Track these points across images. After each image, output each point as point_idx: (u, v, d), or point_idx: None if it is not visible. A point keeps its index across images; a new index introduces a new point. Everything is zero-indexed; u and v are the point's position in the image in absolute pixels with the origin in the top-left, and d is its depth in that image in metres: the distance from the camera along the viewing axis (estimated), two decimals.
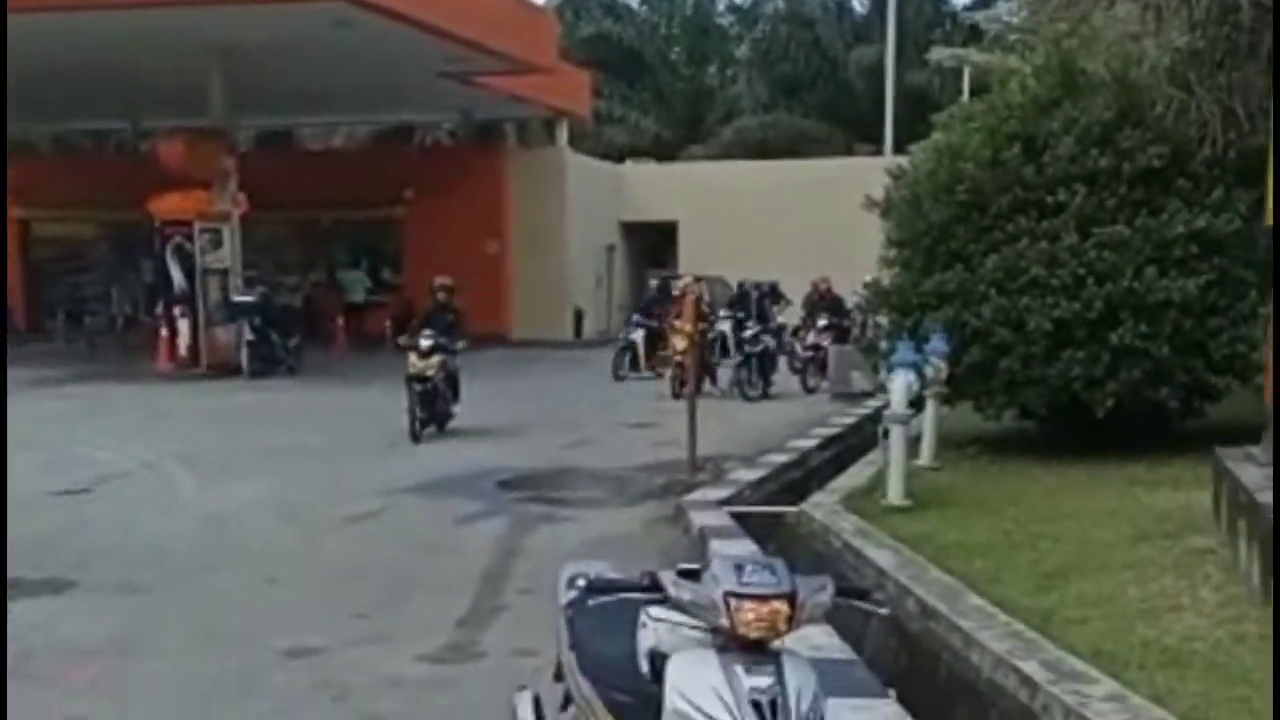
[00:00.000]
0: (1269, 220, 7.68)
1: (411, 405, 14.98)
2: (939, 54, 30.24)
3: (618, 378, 21.72)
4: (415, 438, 14.86)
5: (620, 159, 39.42)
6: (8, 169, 22.39)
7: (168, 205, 23.60)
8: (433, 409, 15.23)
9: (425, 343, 15.16)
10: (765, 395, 19.69)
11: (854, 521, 9.29)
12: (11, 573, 8.42)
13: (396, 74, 26.68)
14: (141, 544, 9.64)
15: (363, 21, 20.81)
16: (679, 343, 18.62)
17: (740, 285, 24.77)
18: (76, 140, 41.44)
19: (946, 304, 11.75)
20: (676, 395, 18.07)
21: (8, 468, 10.38)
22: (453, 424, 15.65)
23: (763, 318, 20.61)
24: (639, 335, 22.16)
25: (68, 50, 23.28)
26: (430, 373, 15.05)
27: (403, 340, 15.63)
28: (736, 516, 10.01)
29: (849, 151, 38.67)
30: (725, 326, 21.30)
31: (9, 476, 12.40)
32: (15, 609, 7.72)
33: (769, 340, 20.30)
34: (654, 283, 25.56)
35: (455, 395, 15.71)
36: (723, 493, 11.11)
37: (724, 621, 3.12)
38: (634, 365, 21.98)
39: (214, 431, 16.15)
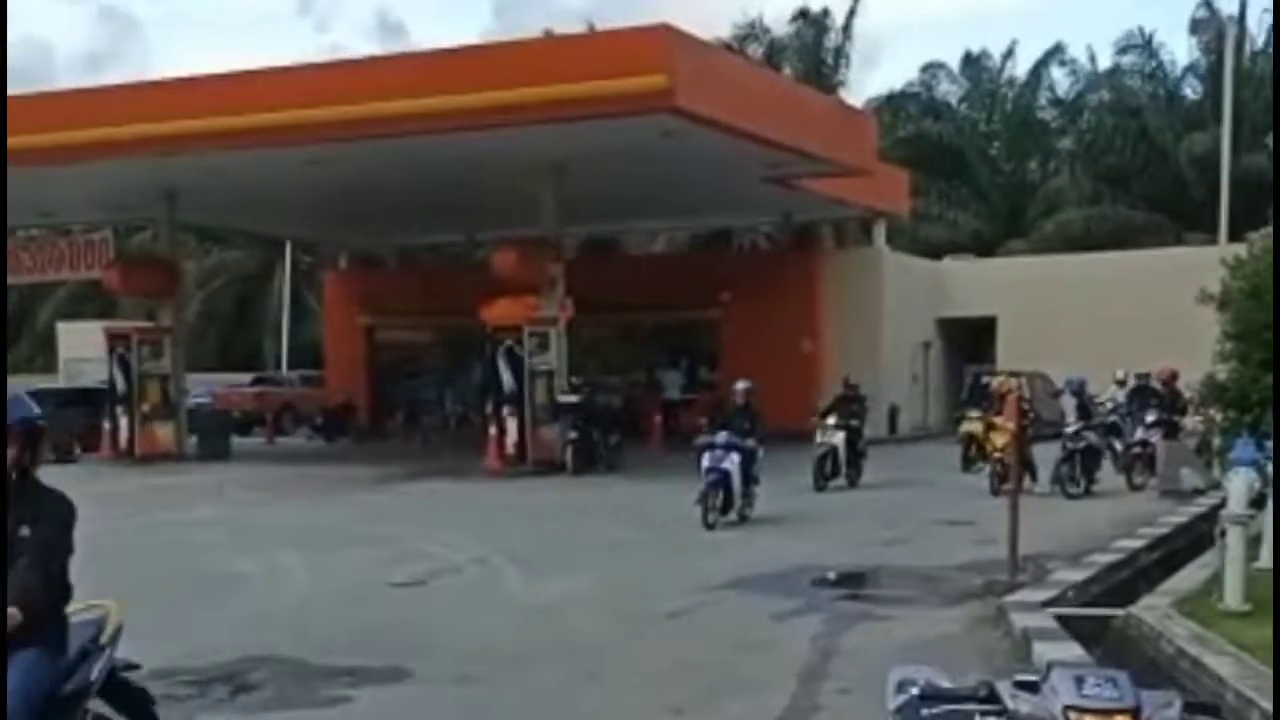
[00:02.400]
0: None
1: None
2: None
3: (819, 488, 19.74)
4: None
5: (938, 255, 39.05)
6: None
7: (499, 311, 24.82)
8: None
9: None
10: (1088, 493, 18.99)
11: (1188, 627, 8.84)
12: (355, 660, 8.98)
13: (719, 180, 27.35)
14: (472, 636, 9.99)
15: (688, 132, 21.45)
16: (998, 439, 18.29)
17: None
18: (418, 253, 44.17)
19: None
20: (995, 492, 17.72)
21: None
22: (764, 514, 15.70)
23: (1085, 414, 19.90)
24: (839, 439, 20.36)
25: (419, 172, 25.06)
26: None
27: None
28: (1060, 619, 9.66)
29: (1179, 242, 37.15)
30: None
31: (352, 568, 13.25)
32: (361, 695, 8.23)
33: (1092, 436, 19.60)
34: (969, 380, 25.11)
35: None
36: (1045, 594, 10.74)
37: None
38: (834, 473, 20.25)
39: (539, 527, 16.75)
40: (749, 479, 16.50)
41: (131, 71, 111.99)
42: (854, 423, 20.68)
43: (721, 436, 16.39)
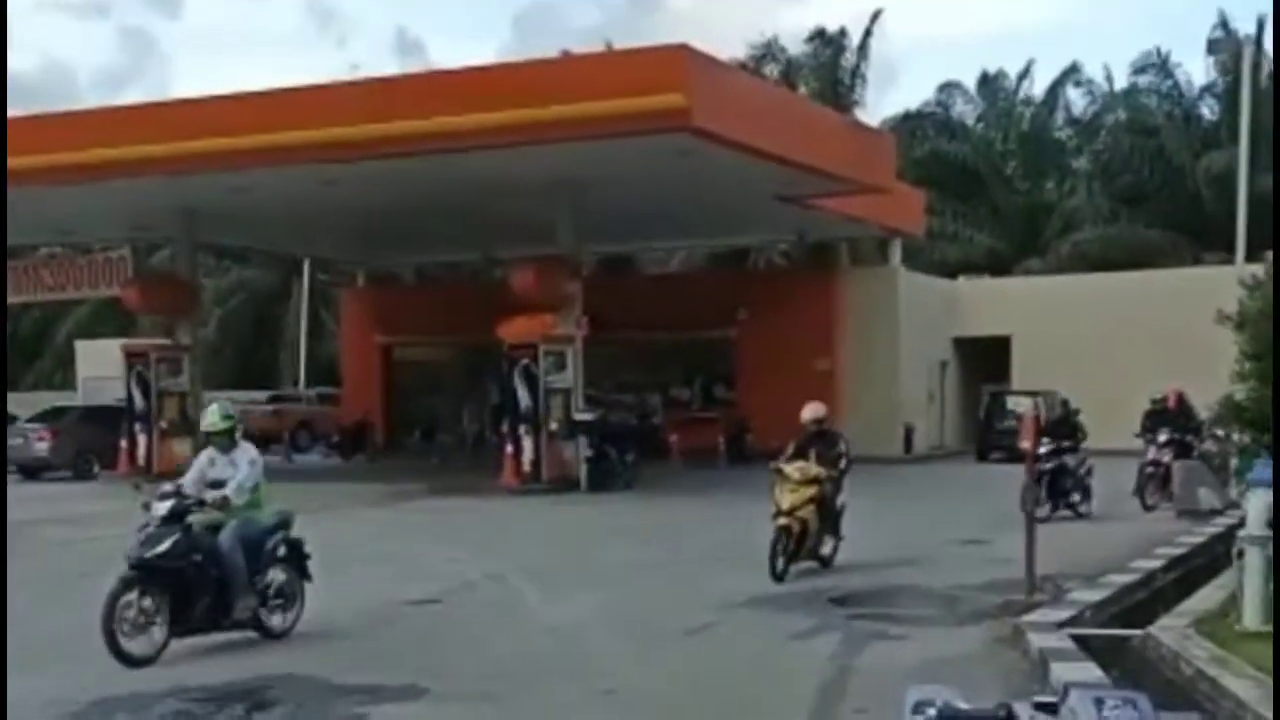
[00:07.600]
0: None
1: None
2: None
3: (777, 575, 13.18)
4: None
5: (953, 275, 39.01)
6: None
7: (515, 329, 24.86)
8: None
9: None
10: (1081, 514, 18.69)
11: (1207, 647, 8.80)
12: (371, 678, 8.98)
13: (735, 199, 27.36)
14: (489, 653, 10.01)
15: (704, 150, 21.47)
16: None
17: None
18: (435, 271, 44.27)
19: None
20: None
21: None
22: None
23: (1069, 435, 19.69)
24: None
25: (437, 190, 25.15)
26: None
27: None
28: (1078, 639, 9.63)
29: (1196, 261, 37.02)
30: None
31: (368, 585, 13.26)
32: (377, 712, 8.23)
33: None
34: (985, 399, 24.78)
35: None
36: (1062, 614, 10.69)
37: None
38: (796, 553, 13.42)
39: (555, 544, 16.76)
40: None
41: (150, 91, 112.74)
42: (826, 475, 13.53)
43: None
